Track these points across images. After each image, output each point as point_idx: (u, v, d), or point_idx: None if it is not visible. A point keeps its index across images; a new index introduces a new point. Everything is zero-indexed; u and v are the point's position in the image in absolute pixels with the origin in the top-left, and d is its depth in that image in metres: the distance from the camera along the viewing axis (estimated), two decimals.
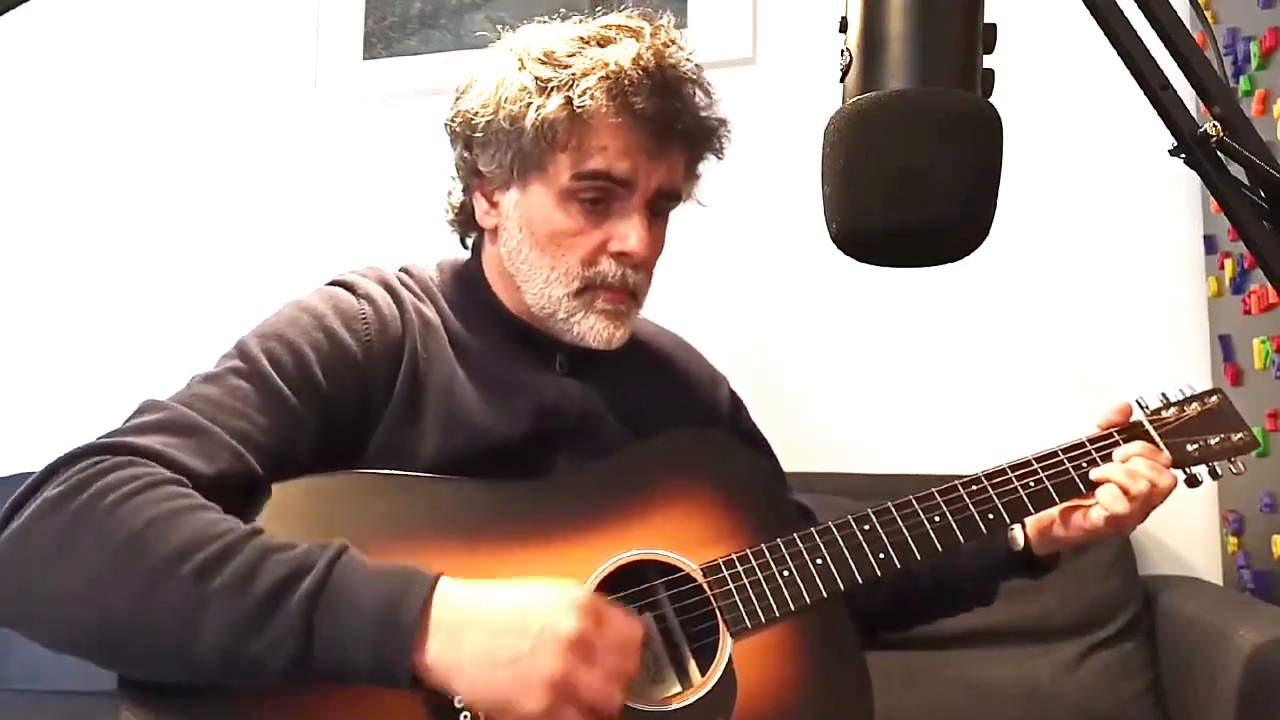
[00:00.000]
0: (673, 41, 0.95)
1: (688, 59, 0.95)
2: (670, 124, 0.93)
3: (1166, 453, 0.97)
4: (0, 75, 2.16)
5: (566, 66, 0.91)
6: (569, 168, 0.92)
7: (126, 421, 0.83)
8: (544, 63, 0.92)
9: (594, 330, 0.95)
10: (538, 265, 0.95)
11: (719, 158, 1.02)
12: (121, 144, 2.08)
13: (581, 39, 0.93)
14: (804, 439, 1.67)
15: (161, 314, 2.00)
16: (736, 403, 1.16)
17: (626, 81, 0.90)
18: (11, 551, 0.74)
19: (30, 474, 0.77)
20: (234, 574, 0.71)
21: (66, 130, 2.11)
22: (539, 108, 0.91)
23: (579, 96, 0.90)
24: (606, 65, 0.90)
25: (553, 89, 0.91)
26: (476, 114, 0.95)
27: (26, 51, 2.15)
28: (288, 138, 2.01)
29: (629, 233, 0.93)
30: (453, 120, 0.99)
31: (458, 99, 0.99)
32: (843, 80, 0.57)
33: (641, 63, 0.91)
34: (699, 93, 0.96)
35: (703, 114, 0.96)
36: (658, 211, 0.97)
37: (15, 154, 2.14)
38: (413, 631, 0.70)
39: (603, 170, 0.92)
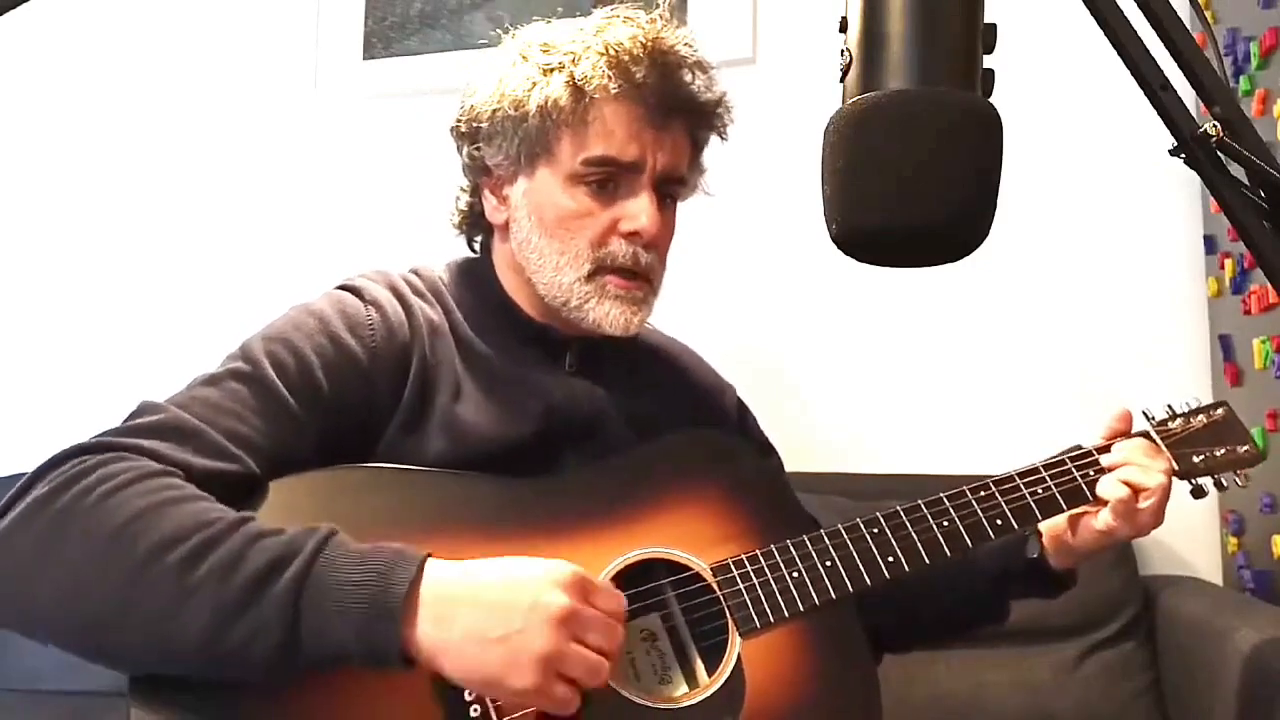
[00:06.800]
0: (669, 23, 0.96)
1: (686, 43, 0.96)
2: (672, 96, 0.94)
3: (1169, 457, 0.96)
4: (0, 75, 2.16)
5: (566, 51, 0.93)
6: (576, 152, 0.93)
7: (122, 423, 0.82)
8: (545, 52, 0.94)
9: (609, 316, 0.94)
10: (548, 252, 0.95)
11: (723, 138, 1.02)
12: (122, 144, 2.08)
13: (579, 29, 0.95)
14: (804, 439, 1.66)
15: (161, 314, 2.00)
16: (744, 411, 1.16)
17: (626, 56, 0.92)
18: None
19: (27, 474, 0.77)
20: (219, 561, 0.71)
21: (67, 130, 2.11)
22: (542, 88, 0.92)
23: (580, 74, 0.91)
24: (606, 43, 0.93)
25: (553, 70, 0.93)
26: (482, 109, 0.97)
27: (26, 52, 2.14)
28: (288, 138, 2.01)
29: (638, 212, 0.93)
30: (459, 121, 1.00)
31: (462, 102, 1.00)
32: (843, 80, 0.57)
33: (640, 39, 0.93)
34: (698, 72, 0.97)
35: (703, 89, 0.97)
36: (665, 196, 0.97)
37: (15, 154, 2.14)
38: (401, 610, 0.71)
39: (610, 156, 0.93)
